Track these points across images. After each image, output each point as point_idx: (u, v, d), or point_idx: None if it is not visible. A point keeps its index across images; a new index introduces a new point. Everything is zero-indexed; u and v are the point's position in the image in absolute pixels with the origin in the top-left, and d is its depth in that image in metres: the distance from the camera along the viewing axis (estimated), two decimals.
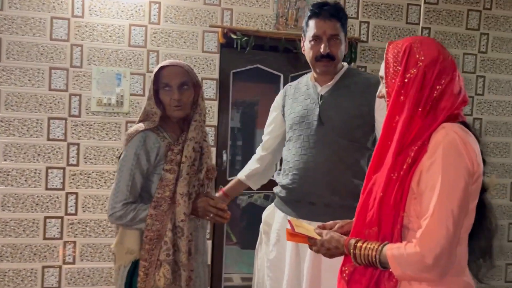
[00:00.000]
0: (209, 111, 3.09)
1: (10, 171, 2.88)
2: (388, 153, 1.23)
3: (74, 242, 2.96)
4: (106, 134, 2.98)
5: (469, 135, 1.21)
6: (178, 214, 1.70)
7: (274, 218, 2.00)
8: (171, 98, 1.73)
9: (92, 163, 2.97)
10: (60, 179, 2.93)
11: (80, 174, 2.95)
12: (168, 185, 1.70)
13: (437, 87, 1.20)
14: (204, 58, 3.09)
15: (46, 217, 2.92)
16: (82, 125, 2.95)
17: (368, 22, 3.30)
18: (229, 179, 3.25)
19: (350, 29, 3.27)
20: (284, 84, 3.27)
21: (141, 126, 1.74)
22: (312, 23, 1.87)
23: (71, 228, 2.95)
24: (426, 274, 1.12)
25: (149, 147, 1.72)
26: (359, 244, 1.23)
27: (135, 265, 1.73)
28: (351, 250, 1.24)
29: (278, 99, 2.12)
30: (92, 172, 2.97)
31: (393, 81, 1.24)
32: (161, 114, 1.75)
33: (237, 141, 4.41)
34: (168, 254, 1.68)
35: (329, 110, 1.87)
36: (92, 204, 2.97)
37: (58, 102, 2.92)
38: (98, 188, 2.97)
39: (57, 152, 2.93)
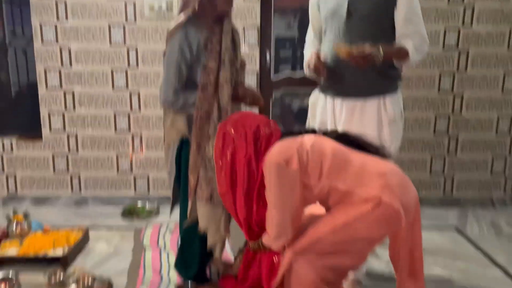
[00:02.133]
0: (251, 12, 3.24)
1: (82, 73, 3.32)
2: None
3: (140, 135, 3.43)
4: (160, 38, 3.27)
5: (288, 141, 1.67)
6: (223, 97, 1.99)
7: (318, 102, 2.27)
8: None
9: (149, 65, 3.32)
10: (124, 80, 3.34)
11: (141, 75, 3.33)
12: (211, 72, 1.97)
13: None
14: None
15: (115, 113, 3.39)
16: (138, 30, 3.26)
17: None
18: (274, 80, 3.48)
19: None
20: None
21: (181, 20, 1.97)
22: None
23: (136, 122, 3.41)
24: (277, 242, 1.68)
25: (190, 40, 1.97)
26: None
27: (181, 142, 2.10)
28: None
29: None
30: (151, 73, 3.33)
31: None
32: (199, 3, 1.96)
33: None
34: (216, 130, 1.97)
35: (357, 2, 2.04)
36: (153, 101, 3.37)
37: (116, 9, 3.23)
38: (156, 88, 3.34)
39: (119, 56, 3.30)
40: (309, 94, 2.33)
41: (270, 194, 1.63)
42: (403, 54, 2.01)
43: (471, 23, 3.32)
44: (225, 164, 1.76)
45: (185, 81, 2.02)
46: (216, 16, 2.04)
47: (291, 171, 1.57)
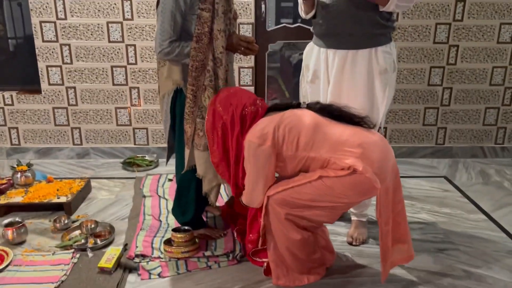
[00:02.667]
0: None
1: (78, 26, 3.32)
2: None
3: (138, 88, 3.48)
4: None
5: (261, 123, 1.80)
6: (217, 47, 2.03)
7: (312, 52, 2.30)
8: None
9: (144, 17, 3.31)
10: (119, 32, 3.34)
11: (136, 27, 3.33)
12: (206, 22, 2.00)
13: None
14: None
15: (112, 66, 3.42)
16: (136, 28, 3.24)
17: None
18: (269, 30, 3.47)
19: None
20: None
21: None
22: None
23: (133, 75, 3.45)
24: (250, 205, 1.90)
25: None
26: None
27: (175, 92, 2.15)
28: None
29: None
30: (146, 26, 3.33)
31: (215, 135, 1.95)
32: None
33: None
34: (211, 80, 2.05)
35: None
36: (149, 54, 3.40)
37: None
38: (151, 40, 3.36)
39: (114, 8, 3.29)
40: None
41: (247, 167, 1.80)
42: None
43: None
44: (217, 137, 1.92)
45: (180, 31, 2.05)
46: None
47: (265, 148, 1.72)
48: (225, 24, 2.08)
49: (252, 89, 3.52)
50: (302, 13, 2.28)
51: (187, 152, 2.16)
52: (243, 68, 3.46)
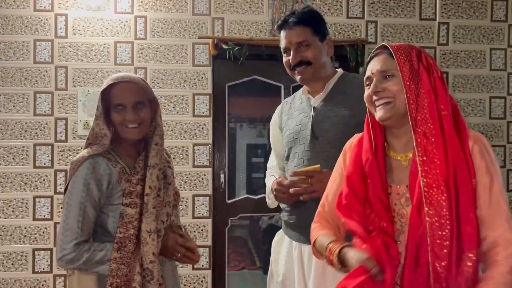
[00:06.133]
0: (202, 128, 2.85)
1: None
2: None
3: (64, 276, 2.78)
4: None
5: None
6: (146, 255, 1.46)
7: (283, 244, 1.81)
8: (125, 118, 1.50)
9: None
10: (48, 208, 2.77)
11: None
12: (131, 222, 1.47)
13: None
14: (195, 72, 2.87)
15: (34, 249, 2.76)
16: (69, 150, 2.79)
17: (375, 22, 2.98)
18: (229, 201, 2.98)
19: (355, 30, 2.96)
20: (285, 96, 3.01)
21: (88, 151, 1.51)
22: (281, 35, 1.78)
23: None
24: None
25: (99, 174, 1.48)
26: None
27: None
28: None
29: (275, 116, 1.96)
30: None
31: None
32: (111, 135, 1.53)
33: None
34: None
35: (323, 122, 1.70)
36: None
37: (44, 128, 2.78)
38: None
39: (44, 180, 2.78)
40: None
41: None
42: None
43: None
44: None
45: (92, 228, 1.50)
46: (138, 144, 1.58)
47: None
48: (160, 221, 1.53)
49: (209, 273, 2.86)
50: (269, 202, 1.84)
51: None
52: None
